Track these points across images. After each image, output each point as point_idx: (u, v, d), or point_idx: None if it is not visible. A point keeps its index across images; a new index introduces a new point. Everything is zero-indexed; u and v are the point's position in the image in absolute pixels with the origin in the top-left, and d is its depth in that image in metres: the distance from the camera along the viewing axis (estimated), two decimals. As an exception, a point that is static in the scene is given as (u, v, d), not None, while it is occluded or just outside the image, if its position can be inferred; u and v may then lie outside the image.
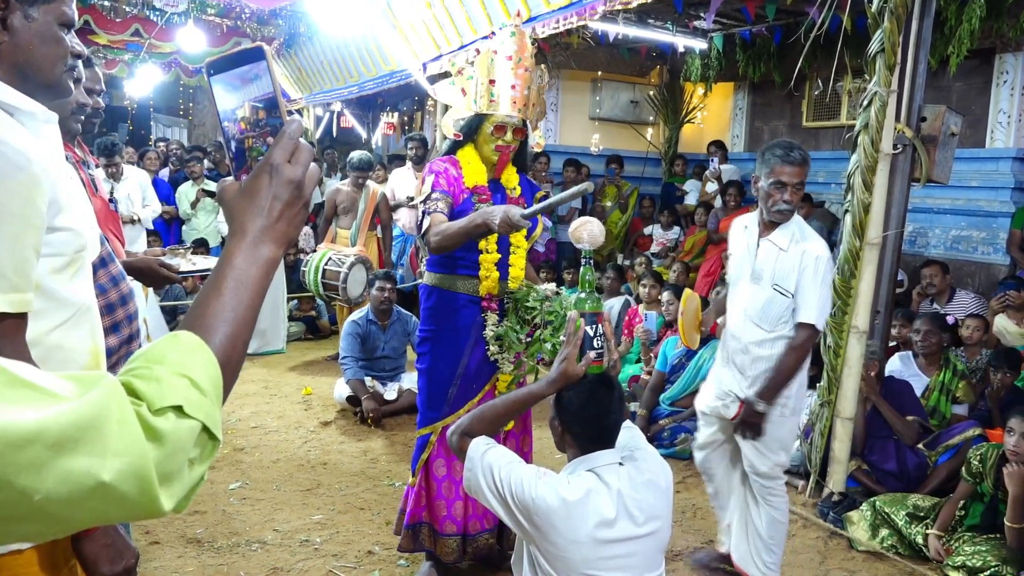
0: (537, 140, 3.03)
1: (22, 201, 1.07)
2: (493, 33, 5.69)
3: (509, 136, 2.80)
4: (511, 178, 2.94)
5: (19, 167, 1.06)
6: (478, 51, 2.93)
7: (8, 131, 1.08)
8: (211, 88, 0.93)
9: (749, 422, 2.85)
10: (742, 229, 3.03)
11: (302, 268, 6.09)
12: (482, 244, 2.79)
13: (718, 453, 3.17)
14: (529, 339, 2.75)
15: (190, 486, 0.74)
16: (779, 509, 3.00)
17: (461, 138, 2.86)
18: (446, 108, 7.42)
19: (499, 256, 2.82)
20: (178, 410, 0.71)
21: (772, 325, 2.87)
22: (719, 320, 3.06)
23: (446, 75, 7.25)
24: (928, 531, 3.41)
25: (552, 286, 2.83)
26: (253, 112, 0.92)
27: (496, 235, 2.78)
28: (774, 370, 2.81)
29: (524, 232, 2.90)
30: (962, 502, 3.43)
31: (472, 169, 2.83)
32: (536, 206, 2.63)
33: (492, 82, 2.77)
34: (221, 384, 0.78)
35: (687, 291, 3.15)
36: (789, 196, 2.80)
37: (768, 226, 2.91)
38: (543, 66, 2.94)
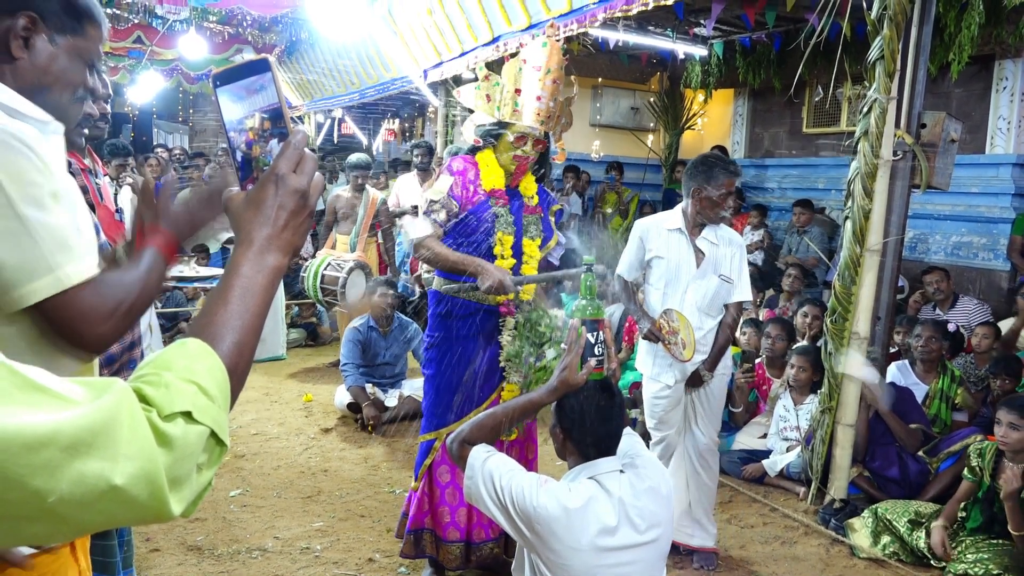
0: (558, 151, 3.03)
1: (61, 164, 1.12)
2: (496, 39, 5.72)
3: (529, 147, 2.79)
4: (529, 187, 2.93)
5: (40, 140, 1.11)
6: (507, 58, 2.93)
7: (22, 123, 1.11)
8: (217, 99, 0.94)
9: (695, 384, 3.34)
10: (666, 233, 3.28)
11: (301, 274, 6.10)
12: (497, 249, 2.78)
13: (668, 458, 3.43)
14: (538, 361, 2.75)
15: (198, 491, 0.75)
16: (715, 471, 3.45)
17: (481, 143, 2.86)
18: (447, 115, 7.39)
19: (514, 262, 2.82)
20: (187, 416, 0.72)
21: (719, 312, 3.30)
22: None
23: (447, 81, 7.28)
24: (933, 523, 3.40)
25: (563, 314, 2.82)
26: (259, 123, 0.94)
27: (511, 240, 2.79)
28: (716, 346, 3.29)
29: (538, 242, 2.90)
30: (963, 503, 3.43)
31: (490, 172, 2.82)
32: (530, 276, 2.76)
33: (518, 91, 2.76)
34: (229, 390, 0.79)
35: (678, 312, 3.16)
36: (732, 202, 3.24)
37: (697, 227, 3.26)
38: (572, 78, 2.91)
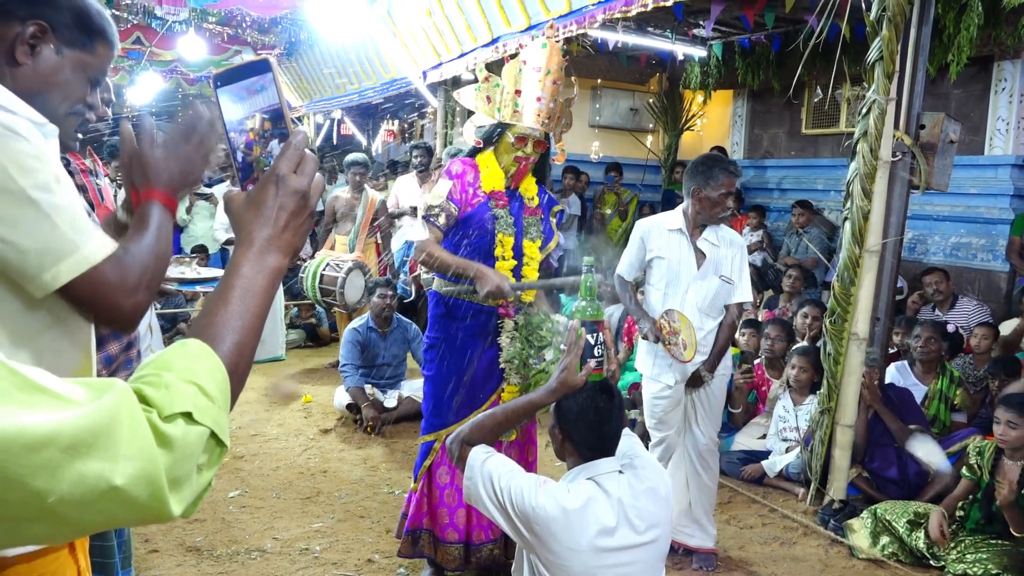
0: (559, 153, 3.03)
1: (55, 157, 1.14)
2: (495, 40, 5.72)
3: (529, 148, 2.79)
4: (530, 188, 2.94)
5: (33, 131, 1.12)
6: (507, 59, 2.94)
7: (14, 116, 1.12)
8: (217, 100, 0.94)
9: (695, 385, 3.34)
10: (667, 233, 3.29)
11: (300, 274, 6.10)
12: (498, 251, 2.79)
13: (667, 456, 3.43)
14: (538, 363, 2.75)
15: (198, 492, 0.75)
16: (715, 472, 3.45)
17: (482, 145, 2.86)
18: (446, 116, 7.38)
19: (515, 263, 2.82)
20: (187, 416, 0.72)
21: (719, 313, 3.31)
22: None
23: (447, 83, 7.27)
24: (932, 510, 3.42)
25: (564, 318, 2.83)
26: (260, 123, 0.94)
27: (511, 242, 2.80)
28: (717, 347, 3.30)
29: (538, 244, 2.91)
30: (961, 503, 3.45)
31: (490, 174, 2.82)
32: (528, 283, 2.75)
33: (518, 92, 2.76)
34: (229, 391, 0.80)
35: (679, 313, 3.17)
36: (731, 203, 3.25)
37: (698, 228, 3.26)
38: (573, 79, 2.92)
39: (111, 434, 0.66)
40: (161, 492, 0.69)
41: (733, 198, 3.25)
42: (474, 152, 2.89)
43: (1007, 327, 5.11)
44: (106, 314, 1.16)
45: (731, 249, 3.29)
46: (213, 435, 0.75)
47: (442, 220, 2.77)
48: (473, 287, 2.74)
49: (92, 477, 0.64)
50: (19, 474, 0.61)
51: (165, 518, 0.71)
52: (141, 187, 1.23)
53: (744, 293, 3.34)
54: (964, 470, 3.47)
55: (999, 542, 3.23)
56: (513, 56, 2.99)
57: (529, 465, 2.95)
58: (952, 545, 3.33)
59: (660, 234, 3.30)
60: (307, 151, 0.93)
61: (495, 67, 4.71)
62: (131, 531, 2.23)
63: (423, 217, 2.81)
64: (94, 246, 1.12)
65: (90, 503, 0.65)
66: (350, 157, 6.40)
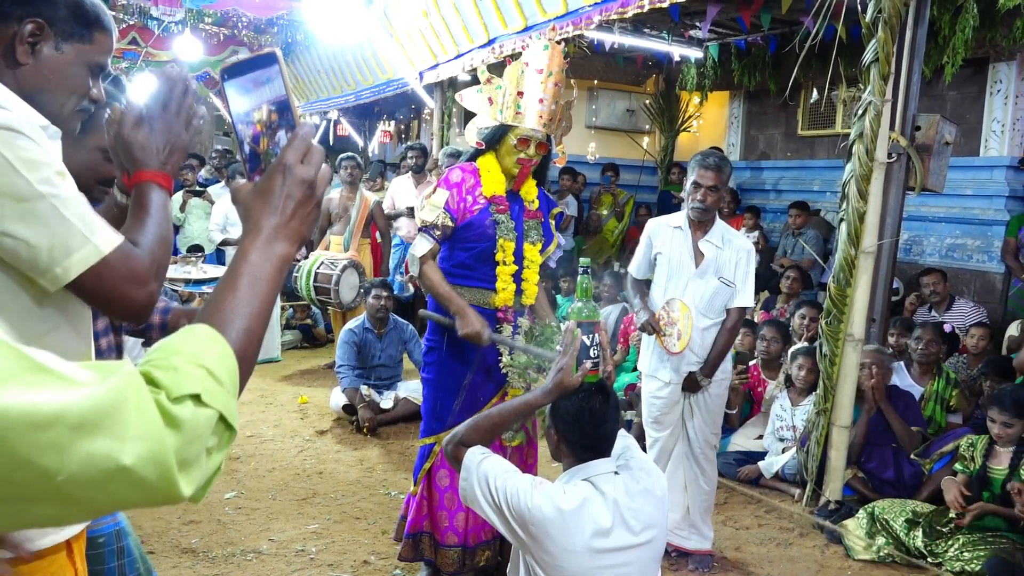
0: (559, 155, 3.04)
1: (59, 158, 1.15)
2: (491, 41, 5.72)
3: (532, 150, 2.78)
4: (530, 191, 2.94)
5: (33, 127, 1.13)
6: (509, 60, 2.94)
7: (15, 113, 1.12)
8: (224, 92, 0.95)
9: (692, 389, 3.32)
10: (670, 230, 3.35)
11: (294, 274, 6.09)
12: (499, 256, 2.80)
13: (664, 459, 3.42)
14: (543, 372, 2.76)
15: (208, 474, 0.75)
16: (712, 476, 3.43)
17: (483, 147, 2.86)
18: (443, 116, 7.37)
19: (516, 268, 2.82)
20: (196, 399, 0.72)
21: (717, 314, 3.29)
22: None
23: (444, 84, 7.26)
24: (945, 479, 3.48)
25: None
26: (267, 115, 0.95)
27: (512, 246, 2.80)
28: (715, 350, 3.28)
29: (539, 247, 2.91)
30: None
31: (491, 178, 2.82)
32: (507, 340, 2.75)
33: (520, 94, 2.76)
34: (237, 376, 0.80)
35: (682, 303, 3.20)
36: (702, 196, 3.18)
37: (699, 227, 3.28)
38: (572, 82, 2.93)
39: (118, 414, 0.66)
40: (170, 473, 0.69)
41: (705, 192, 3.18)
42: (475, 154, 2.89)
43: (1016, 327, 5.13)
44: (119, 306, 1.17)
45: (736, 253, 3.28)
46: (222, 419, 0.74)
47: (438, 234, 2.80)
48: (472, 288, 2.78)
49: (100, 457, 0.65)
50: (27, 453, 0.62)
51: (175, 499, 0.71)
52: (132, 171, 1.23)
53: (745, 298, 3.32)
54: (957, 465, 3.51)
55: (997, 540, 3.24)
56: (513, 57, 3.00)
57: (528, 467, 2.95)
58: (950, 543, 3.34)
59: (665, 231, 3.37)
60: (313, 142, 0.94)
61: (494, 68, 4.71)
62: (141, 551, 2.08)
63: (420, 229, 2.82)
64: (102, 239, 1.13)
65: (100, 483, 0.66)
66: (343, 154, 6.43)
